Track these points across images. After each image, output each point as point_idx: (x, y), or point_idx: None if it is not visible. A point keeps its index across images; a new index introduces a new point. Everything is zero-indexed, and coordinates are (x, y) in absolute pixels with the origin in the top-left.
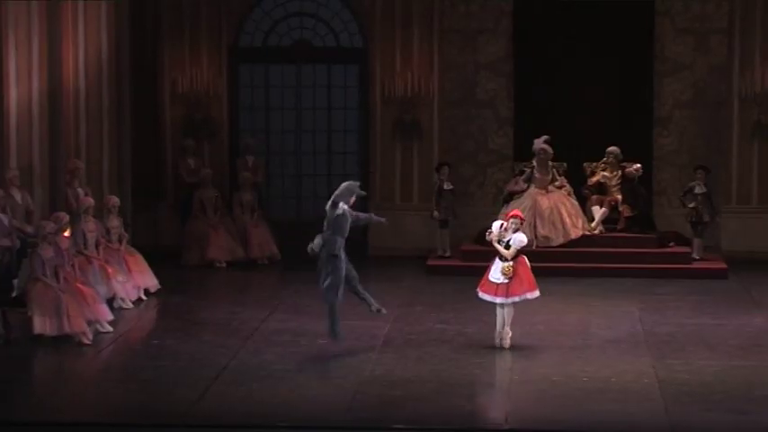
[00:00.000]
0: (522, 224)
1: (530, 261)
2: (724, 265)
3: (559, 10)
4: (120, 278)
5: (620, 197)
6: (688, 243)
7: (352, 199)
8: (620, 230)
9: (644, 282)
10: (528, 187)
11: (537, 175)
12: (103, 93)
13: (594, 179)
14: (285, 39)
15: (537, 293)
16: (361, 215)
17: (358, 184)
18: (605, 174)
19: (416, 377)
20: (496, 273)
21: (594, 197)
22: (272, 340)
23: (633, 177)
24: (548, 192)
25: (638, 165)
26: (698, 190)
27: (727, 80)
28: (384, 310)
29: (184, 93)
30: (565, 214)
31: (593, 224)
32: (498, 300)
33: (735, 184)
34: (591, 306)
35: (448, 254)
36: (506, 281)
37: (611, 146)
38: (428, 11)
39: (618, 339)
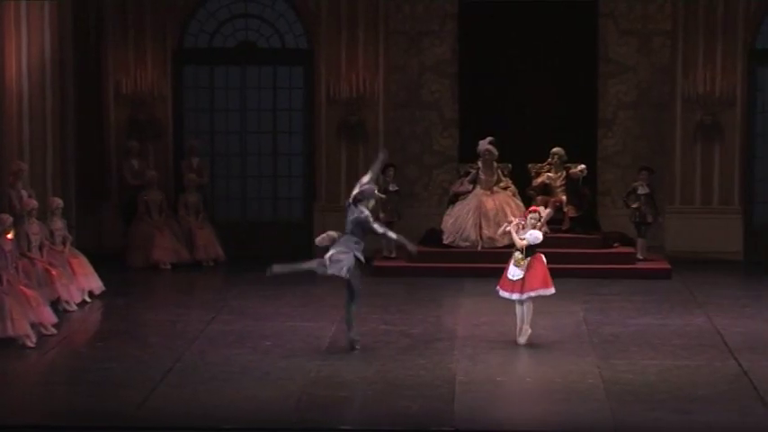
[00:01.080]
0: (540, 219)
1: (474, 262)
2: (667, 266)
3: (504, 12)
4: (63, 280)
5: (564, 198)
6: (632, 243)
7: (371, 203)
8: (565, 231)
9: (588, 282)
10: (473, 188)
11: (482, 176)
12: (47, 94)
13: (539, 180)
14: (230, 40)
15: (552, 290)
16: (380, 230)
17: (373, 188)
18: (550, 175)
19: (362, 378)
20: (513, 270)
21: (539, 198)
22: (218, 342)
23: (577, 178)
24: (493, 193)
25: (583, 166)
26: (641, 191)
27: (671, 81)
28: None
29: (128, 94)
30: (510, 215)
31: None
32: (515, 296)
33: (678, 185)
34: (535, 307)
35: (393, 255)
36: (521, 275)
37: (555, 147)
38: (373, 13)
39: (562, 340)
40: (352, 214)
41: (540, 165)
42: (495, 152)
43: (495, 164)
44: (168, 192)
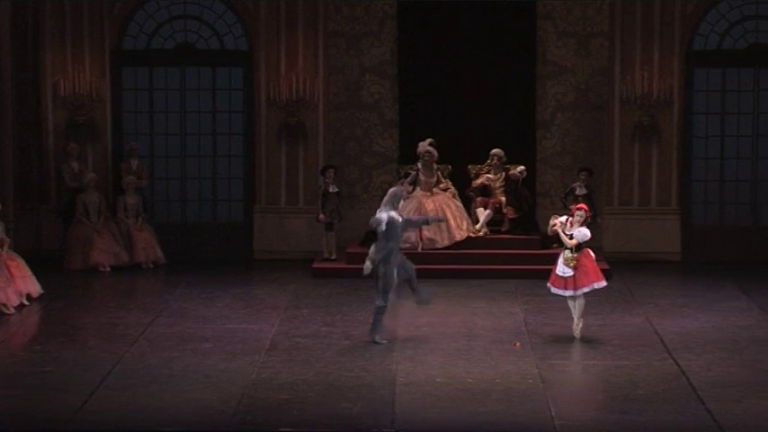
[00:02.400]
0: (586, 217)
1: (415, 263)
2: (606, 266)
3: (443, 13)
4: (1, 284)
5: (504, 199)
6: None
7: (400, 204)
8: (505, 232)
9: (528, 283)
10: (413, 190)
11: (422, 177)
12: None
13: (479, 181)
14: (169, 42)
15: (604, 283)
16: (413, 218)
17: (401, 189)
18: (489, 176)
19: (303, 380)
20: (563, 267)
21: (479, 199)
22: (157, 345)
23: (517, 179)
24: (433, 194)
25: (522, 167)
26: (579, 191)
27: (609, 83)
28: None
29: (67, 96)
30: (450, 216)
31: (477, 226)
32: (568, 293)
33: (616, 186)
34: (475, 308)
35: (333, 256)
36: (572, 273)
37: (494, 148)
38: (313, 14)
39: (502, 341)
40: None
41: (479, 166)
42: (435, 153)
43: (434, 165)
44: (107, 194)
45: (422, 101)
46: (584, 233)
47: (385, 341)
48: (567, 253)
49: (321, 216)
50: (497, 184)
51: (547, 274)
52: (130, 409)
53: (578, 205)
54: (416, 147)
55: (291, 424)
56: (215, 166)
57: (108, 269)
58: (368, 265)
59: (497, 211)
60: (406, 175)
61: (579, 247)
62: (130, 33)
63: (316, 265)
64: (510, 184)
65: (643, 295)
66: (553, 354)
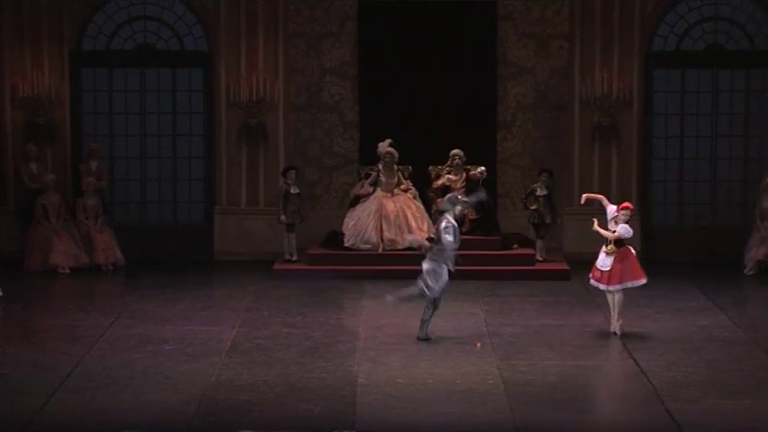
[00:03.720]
0: (632, 215)
1: (375, 264)
2: (566, 267)
3: (404, 14)
4: None
5: None
6: (531, 245)
7: (458, 209)
8: (465, 233)
9: (488, 284)
10: (374, 191)
11: (383, 178)
12: None
13: (439, 182)
14: (128, 42)
15: (643, 280)
16: (463, 206)
17: (457, 194)
18: (450, 177)
19: (263, 381)
20: (603, 260)
21: (440, 200)
22: (117, 347)
23: (477, 180)
24: (393, 195)
25: (483, 168)
26: (540, 192)
27: (569, 84)
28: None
29: (26, 97)
30: (410, 217)
31: None
32: (602, 286)
33: (576, 187)
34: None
35: (295, 258)
36: (610, 268)
37: (455, 149)
38: (273, 15)
39: (463, 341)
40: (438, 228)
41: (440, 167)
42: (396, 154)
43: (395, 166)
44: (67, 195)
45: (382, 102)
46: (627, 229)
47: (431, 338)
48: (610, 245)
49: (282, 217)
50: (458, 185)
51: (507, 274)
52: (90, 412)
53: (624, 204)
54: (377, 147)
55: (252, 425)
56: (175, 168)
57: (67, 271)
58: (412, 242)
59: None
60: (367, 176)
61: (621, 244)
62: (90, 34)
63: (277, 266)
64: (471, 185)
65: (602, 296)
66: (513, 354)
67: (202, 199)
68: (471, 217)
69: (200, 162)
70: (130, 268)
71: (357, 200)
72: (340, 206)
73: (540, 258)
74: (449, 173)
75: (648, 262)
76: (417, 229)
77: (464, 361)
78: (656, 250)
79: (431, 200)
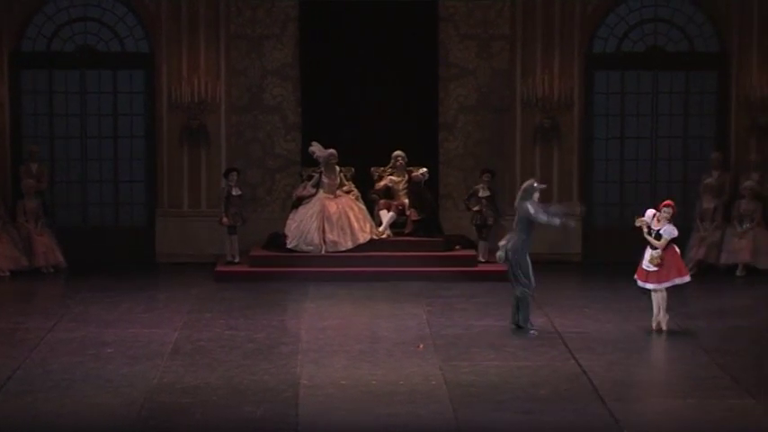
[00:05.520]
0: (673, 214)
1: (318, 266)
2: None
3: (346, 15)
4: None
5: (407, 201)
6: (473, 246)
7: (536, 195)
8: (408, 234)
9: (431, 285)
10: (316, 192)
11: (325, 179)
12: None
13: (382, 183)
14: (69, 44)
15: (687, 278)
16: (543, 218)
17: (533, 182)
18: (392, 178)
19: (206, 384)
20: (648, 261)
21: (382, 201)
22: (59, 350)
23: (420, 181)
24: (336, 196)
25: (425, 169)
26: (482, 193)
27: (510, 85)
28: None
29: None
30: (353, 219)
31: (380, 228)
32: (649, 286)
33: (518, 187)
34: (379, 310)
35: (237, 260)
36: (655, 269)
37: (397, 150)
38: (214, 16)
39: (406, 342)
40: (518, 213)
41: (382, 168)
42: (335, 155)
43: (337, 168)
44: (6, 198)
45: (324, 103)
46: (670, 230)
47: (535, 331)
48: (654, 252)
49: (224, 219)
50: (400, 186)
51: (449, 275)
52: (31, 415)
53: (666, 202)
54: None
55: (194, 428)
56: (117, 170)
57: (7, 274)
58: (500, 254)
59: (400, 213)
60: (310, 177)
61: (666, 244)
62: (29, 36)
63: (219, 268)
64: (413, 186)
65: (544, 296)
66: (456, 355)
67: (144, 201)
68: (414, 218)
69: (141, 164)
70: (72, 271)
71: (299, 201)
72: (282, 208)
73: (483, 259)
74: (391, 174)
75: (590, 263)
76: (360, 230)
77: (407, 362)
78: (598, 251)
79: (373, 201)
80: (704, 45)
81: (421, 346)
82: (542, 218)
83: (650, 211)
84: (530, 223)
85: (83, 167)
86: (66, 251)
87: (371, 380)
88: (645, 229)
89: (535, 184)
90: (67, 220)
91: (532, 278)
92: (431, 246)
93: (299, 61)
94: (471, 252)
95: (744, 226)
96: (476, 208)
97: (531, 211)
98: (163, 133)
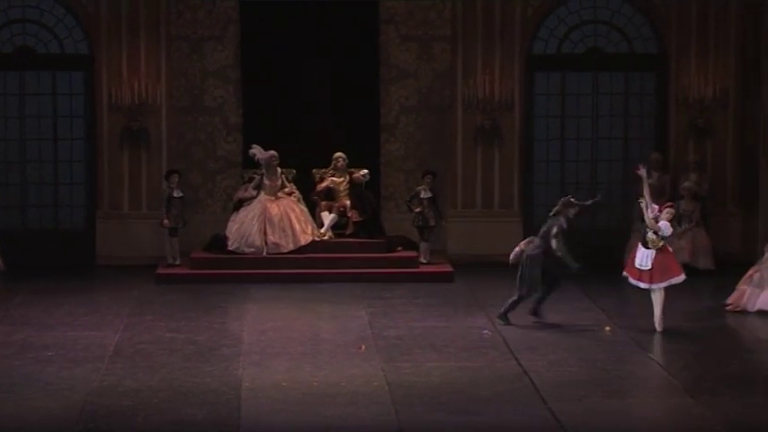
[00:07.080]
0: (674, 215)
1: (260, 268)
2: (450, 269)
3: (286, 17)
4: None
5: (348, 202)
6: (415, 247)
7: (573, 211)
8: (349, 235)
9: (373, 286)
10: (257, 194)
11: (266, 181)
12: None
13: (323, 185)
14: (7, 46)
15: (682, 277)
16: (554, 246)
17: (570, 197)
18: (334, 179)
19: (147, 386)
20: (643, 259)
21: (323, 203)
22: None
23: (361, 183)
24: (277, 198)
25: (366, 170)
26: (424, 195)
27: (451, 86)
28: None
29: None
30: (294, 220)
31: (322, 230)
32: (642, 285)
33: (459, 189)
34: (321, 311)
35: (178, 262)
36: (649, 266)
37: (338, 151)
38: (154, 18)
39: (348, 344)
40: (547, 224)
41: (323, 170)
42: (276, 157)
43: (279, 169)
44: None
45: (266, 104)
46: (667, 227)
47: (489, 332)
48: (651, 235)
49: (165, 221)
50: (342, 188)
51: (391, 277)
52: None
53: (669, 203)
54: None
55: (135, 431)
56: (56, 172)
57: None
58: (516, 252)
59: (342, 214)
60: (251, 179)
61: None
62: None
63: (160, 270)
64: (354, 188)
65: (486, 297)
66: (398, 356)
67: (84, 203)
68: (355, 220)
69: (81, 166)
70: (11, 274)
71: (240, 203)
72: (223, 209)
73: (424, 261)
74: (332, 176)
75: None
76: (301, 232)
77: (349, 363)
78: None
79: (314, 203)
80: (643, 46)
81: (363, 347)
82: (554, 245)
83: (656, 206)
84: (546, 239)
85: (22, 169)
86: (5, 254)
87: (313, 381)
88: (644, 206)
89: (572, 200)
90: (6, 223)
91: (536, 287)
92: (372, 247)
93: (241, 62)
94: (413, 253)
95: (683, 226)
96: (417, 209)
97: (553, 232)
98: (103, 135)
